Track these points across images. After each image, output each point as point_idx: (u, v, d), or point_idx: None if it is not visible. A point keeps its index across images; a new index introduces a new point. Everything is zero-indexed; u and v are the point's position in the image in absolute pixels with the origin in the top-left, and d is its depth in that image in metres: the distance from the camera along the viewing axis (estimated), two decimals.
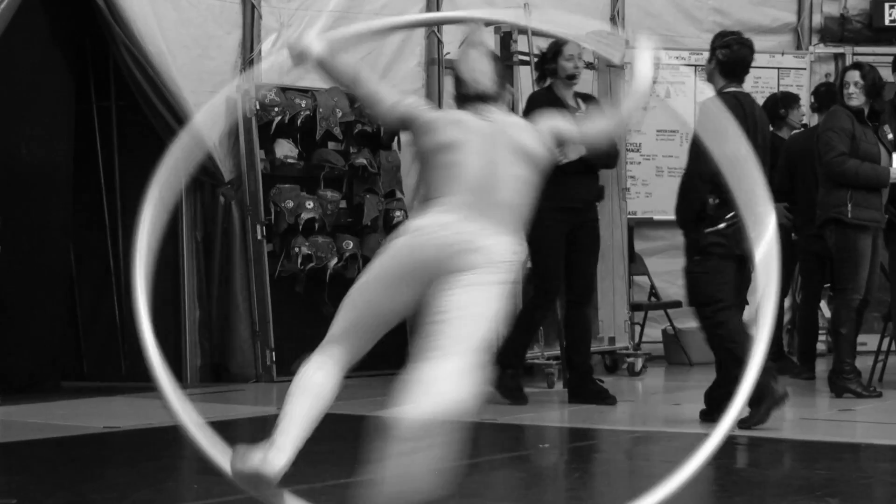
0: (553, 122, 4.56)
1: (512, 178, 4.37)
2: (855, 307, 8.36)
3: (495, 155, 4.38)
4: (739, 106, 6.92)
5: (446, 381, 3.98)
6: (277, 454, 4.10)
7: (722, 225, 7.14)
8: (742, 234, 7.12)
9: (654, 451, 6.75)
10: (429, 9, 10.39)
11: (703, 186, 7.16)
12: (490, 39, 9.33)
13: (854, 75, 8.36)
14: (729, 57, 7.15)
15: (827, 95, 9.15)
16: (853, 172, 8.24)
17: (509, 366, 8.00)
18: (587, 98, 8.35)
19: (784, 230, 9.57)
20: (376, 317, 4.34)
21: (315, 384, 4.26)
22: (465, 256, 4.19)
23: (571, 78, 8.11)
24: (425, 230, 4.27)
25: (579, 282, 8.16)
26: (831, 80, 11.07)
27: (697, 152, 7.25)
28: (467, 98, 4.53)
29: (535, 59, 8.78)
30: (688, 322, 9.39)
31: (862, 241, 8.29)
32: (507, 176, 4.37)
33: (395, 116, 4.55)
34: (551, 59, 8.15)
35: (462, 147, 4.37)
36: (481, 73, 4.53)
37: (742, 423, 6.66)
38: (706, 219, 7.14)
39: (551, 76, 8.18)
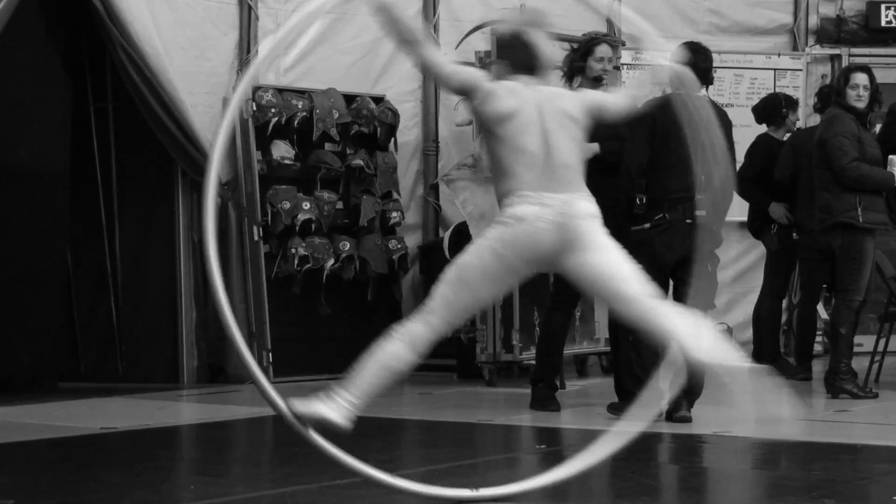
0: (595, 95, 5.21)
1: (565, 142, 4.90)
2: (855, 308, 8.36)
3: (546, 123, 4.90)
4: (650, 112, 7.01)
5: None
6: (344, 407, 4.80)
7: (647, 225, 7.16)
8: (674, 237, 7.14)
9: (651, 451, 6.74)
10: (426, 9, 10.39)
11: (629, 184, 7.18)
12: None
13: (863, 78, 8.39)
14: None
15: (831, 98, 9.14)
16: (868, 177, 8.26)
17: (541, 378, 7.90)
18: None
19: (785, 229, 9.57)
20: (478, 301, 4.94)
21: (390, 354, 4.82)
22: (582, 228, 4.80)
23: (598, 80, 7.72)
24: (528, 220, 4.78)
25: None
26: (828, 81, 11.07)
27: (632, 147, 7.28)
28: (528, 68, 5.01)
29: (564, 57, 8.51)
30: None
31: (868, 244, 8.32)
32: (560, 140, 4.89)
33: (457, 81, 4.97)
34: (580, 58, 7.83)
35: (518, 116, 4.86)
36: (547, 51, 5.08)
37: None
38: (635, 217, 7.17)
39: (579, 74, 7.82)
